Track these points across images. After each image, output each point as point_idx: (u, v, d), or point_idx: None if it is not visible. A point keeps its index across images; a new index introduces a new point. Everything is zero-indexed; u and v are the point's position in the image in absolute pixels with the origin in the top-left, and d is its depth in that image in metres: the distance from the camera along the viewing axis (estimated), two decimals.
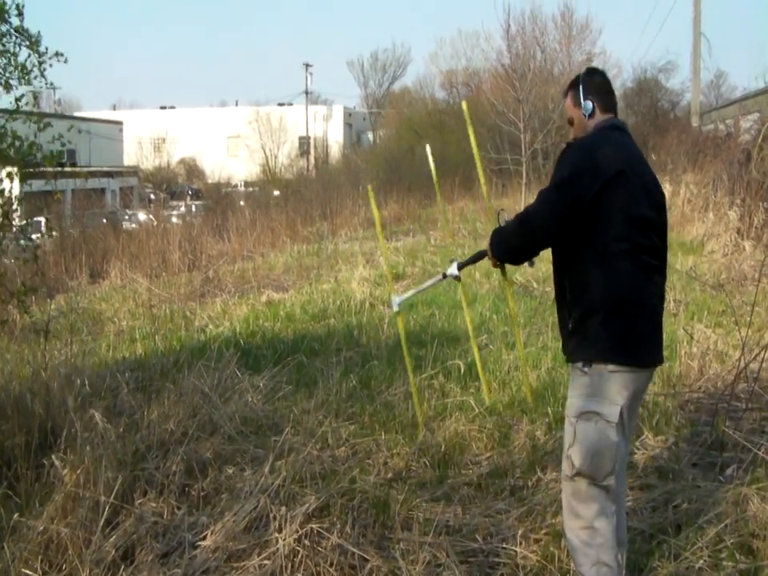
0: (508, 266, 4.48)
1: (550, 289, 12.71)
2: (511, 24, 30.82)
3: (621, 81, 49.56)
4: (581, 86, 4.15)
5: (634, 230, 3.80)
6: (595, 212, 3.76)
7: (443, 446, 6.38)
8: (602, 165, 3.79)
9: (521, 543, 4.91)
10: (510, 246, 4.09)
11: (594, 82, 4.17)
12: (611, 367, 3.75)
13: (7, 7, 5.69)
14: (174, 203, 36.80)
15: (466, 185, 32.22)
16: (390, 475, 5.97)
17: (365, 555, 4.67)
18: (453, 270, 4.70)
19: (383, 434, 6.62)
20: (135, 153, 62.44)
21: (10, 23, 5.73)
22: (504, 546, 4.93)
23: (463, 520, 5.22)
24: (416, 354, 8.78)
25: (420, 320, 10.86)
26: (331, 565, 4.59)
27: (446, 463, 6.19)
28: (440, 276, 4.95)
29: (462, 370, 8.10)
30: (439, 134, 45.65)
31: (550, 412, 6.94)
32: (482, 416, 7.02)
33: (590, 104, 4.09)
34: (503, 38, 32.71)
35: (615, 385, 3.75)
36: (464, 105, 5.77)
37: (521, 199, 23.78)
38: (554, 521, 5.04)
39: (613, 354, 3.75)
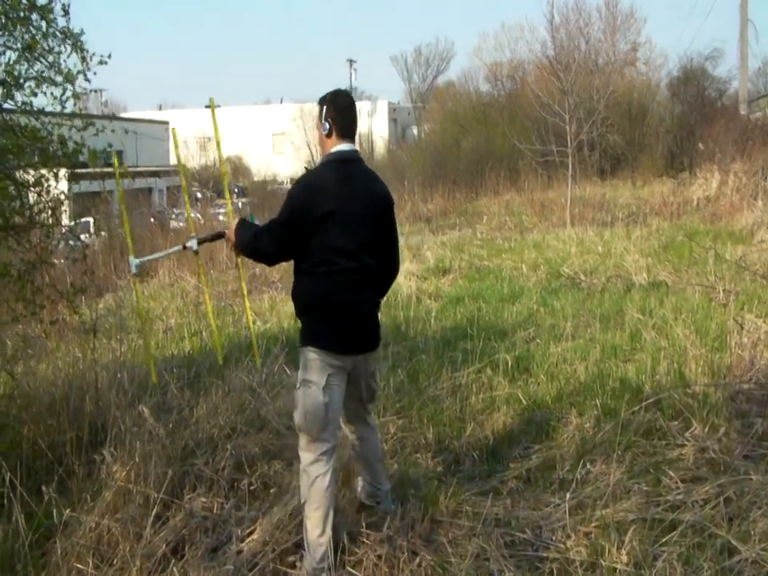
0: None
1: (597, 281, 12.77)
2: (555, 15, 30.50)
3: (667, 70, 49.11)
4: (324, 108, 4.77)
5: (336, 256, 4.63)
6: (306, 242, 4.61)
7: (491, 440, 6.37)
8: (314, 208, 4.57)
9: (570, 536, 4.89)
10: (245, 248, 4.91)
11: (335, 105, 4.78)
12: (311, 349, 4.68)
13: (52, 6, 5.69)
14: (221, 201, 36.98)
15: (511, 177, 32.08)
16: (438, 469, 5.99)
17: (413, 548, 4.69)
18: (192, 243, 5.25)
19: (431, 427, 6.62)
20: (181, 152, 62.82)
21: (56, 24, 5.74)
22: (553, 539, 4.91)
23: (512, 513, 5.21)
24: (463, 347, 8.78)
25: (467, 313, 10.85)
26: (380, 557, 4.60)
27: (495, 456, 6.18)
28: (180, 246, 5.44)
29: (510, 364, 8.04)
30: (484, 127, 45.43)
31: (598, 404, 6.89)
32: (530, 409, 7.00)
33: (327, 125, 4.74)
34: (547, 28, 32.50)
35: (317, 362, 4.64)
36: None
37: (567, 191, 23.54)
38: (603, 513, 5.01)
39: (310, 341, 4.70)
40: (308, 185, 4.72)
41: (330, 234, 4.60)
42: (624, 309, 10.58)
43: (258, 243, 4.81)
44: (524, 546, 4.87)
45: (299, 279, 4.78)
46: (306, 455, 4.74)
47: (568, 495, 5.15)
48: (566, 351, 8.60)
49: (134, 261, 5.43)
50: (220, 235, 5.24)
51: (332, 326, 4.67)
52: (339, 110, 4.79)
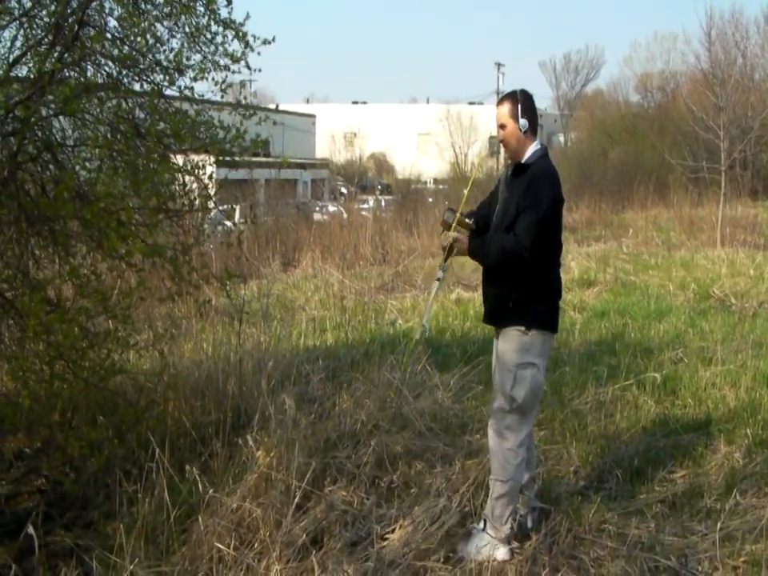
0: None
1: (749, 305, 12.33)
2: (712, 27, 29.48)
3: None
4: (519, 104, 4.79)
5: (558, 244, 4.99)
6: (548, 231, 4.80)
7: (636, 460, 6.20)
8: (559, 199, 4.84)
9: (717, 569, 4.73)
10: (495, 257, 4.84)
11: (530, 103, 4.85)
12: (542, 332, 4.89)
13: None
14: (364, 197, 37.29)
15: (660, 192, 31.30)
16: (581, 484, 5.87)
17: (556, 564, 4.60)
18: (440, 273, 5.37)
19: (574, 442, 6.49)
20: (327, 146, 63.69)
21: (219, 14, 5.81)
22: (699, 569, 4.75)
23: (657, 538, 5.06)
24: (607, 362, 8.61)
25: (612, 328, 10.63)
26: (519, 573, 4.54)
27: (639, 477, 6.01)
28: (437, 283, 5.49)
29: (657, 384, 7.82)
30: (632, 138, 44.62)
31: (749, 434, 6.64)
32: (676, 432, 6.79)
33: (526, 122, 4.79)
34: (702, 41, 31.53)
35: (544, 346, 4.92)
36: None
37: (718, 210, 22.77)
38: (753, 548, 4.82)
39: (544, 323, 4.91)
40: (553, 179, 4.85)
41: (558, 224, 4.93)
42: None
43: (515, 251, 4.71)
44: (669, 574, 4.73)
45: (532, 268, 4.77)
46: (514, 435, 4.88)
47: (719, 525, 4.96)
48: (716, 375, 8.31)
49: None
50: (452, 248, 5.08)
51: (556, 311, 5.04)
52: (534, 110, 4.90)
